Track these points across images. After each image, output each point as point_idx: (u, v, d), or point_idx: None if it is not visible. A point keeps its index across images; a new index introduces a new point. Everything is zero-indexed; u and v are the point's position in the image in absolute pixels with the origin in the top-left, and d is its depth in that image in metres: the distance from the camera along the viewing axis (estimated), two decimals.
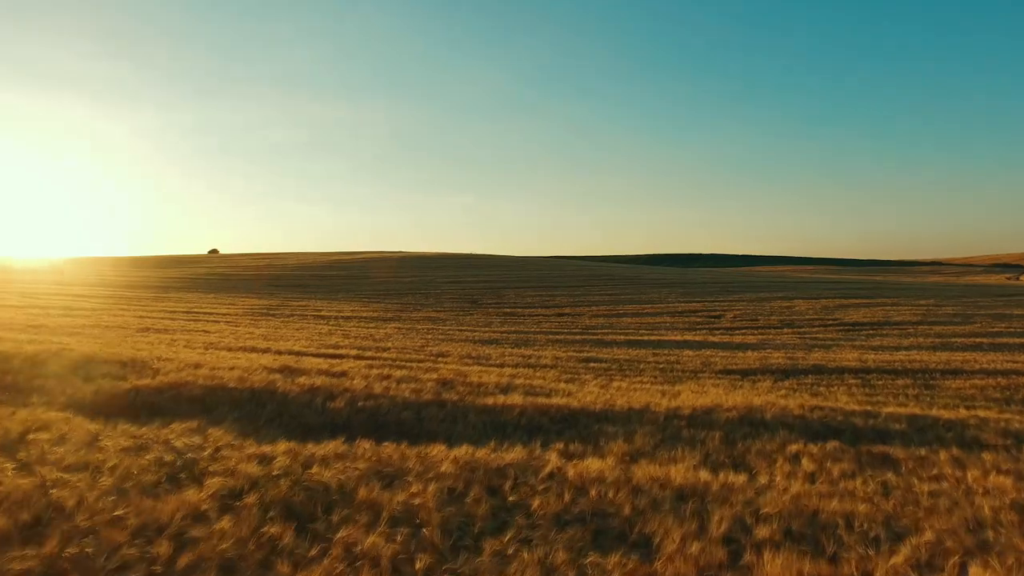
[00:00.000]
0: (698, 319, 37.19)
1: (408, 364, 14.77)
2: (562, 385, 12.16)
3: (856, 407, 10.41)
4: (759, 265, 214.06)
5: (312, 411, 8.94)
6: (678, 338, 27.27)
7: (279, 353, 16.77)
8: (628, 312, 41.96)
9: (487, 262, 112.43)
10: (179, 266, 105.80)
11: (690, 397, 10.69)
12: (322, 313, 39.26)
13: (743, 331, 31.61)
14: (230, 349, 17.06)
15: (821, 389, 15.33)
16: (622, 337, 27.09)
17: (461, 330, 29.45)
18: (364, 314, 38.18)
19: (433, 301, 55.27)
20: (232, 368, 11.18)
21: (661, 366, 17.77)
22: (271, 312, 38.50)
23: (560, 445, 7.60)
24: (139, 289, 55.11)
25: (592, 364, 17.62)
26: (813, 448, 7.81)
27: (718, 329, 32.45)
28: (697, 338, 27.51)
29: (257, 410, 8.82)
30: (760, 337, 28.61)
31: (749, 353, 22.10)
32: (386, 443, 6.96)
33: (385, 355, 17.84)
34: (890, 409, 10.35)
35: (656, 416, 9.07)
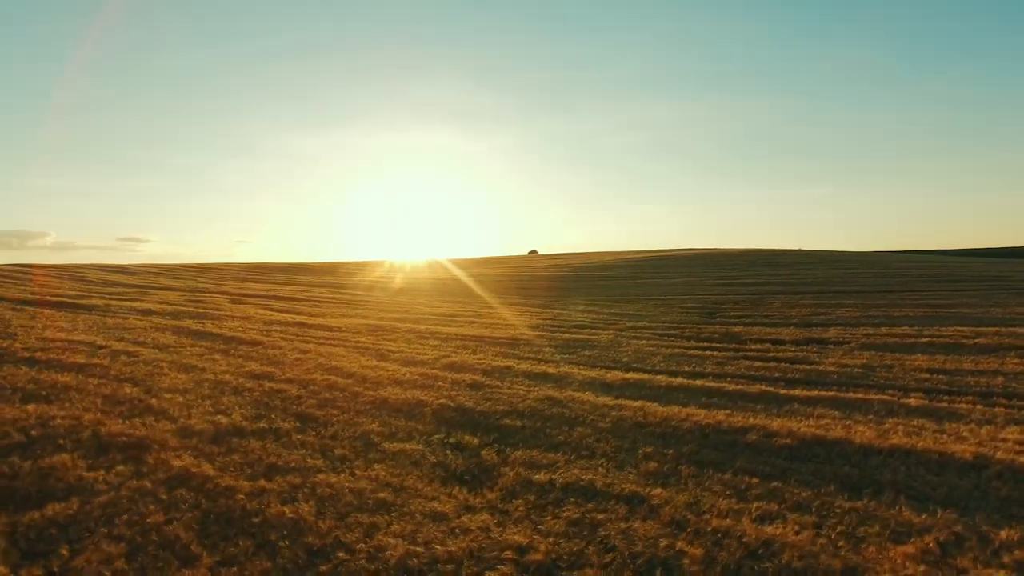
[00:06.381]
0: None
1: None
2: None
3: None
4: None
5: None
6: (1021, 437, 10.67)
7: None
8: (941, 340, 23.20)
9: (791, 259, 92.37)
10: (469, 267, 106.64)
11: None
12: (469, 331, 29.41)
13: None
14: None
15: None
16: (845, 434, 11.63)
17: (582, 371, 16.75)
18: (501, 335, 27.30)
19: (662, 310, 41.67)
20: None
21: None
22: (396, 325, 29.79)
23: None
24: (346, 291, 52.06)
25: None
26: None
27: None
28: None
29: None
30: None
31: None
32: None
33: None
34: None
35: None
